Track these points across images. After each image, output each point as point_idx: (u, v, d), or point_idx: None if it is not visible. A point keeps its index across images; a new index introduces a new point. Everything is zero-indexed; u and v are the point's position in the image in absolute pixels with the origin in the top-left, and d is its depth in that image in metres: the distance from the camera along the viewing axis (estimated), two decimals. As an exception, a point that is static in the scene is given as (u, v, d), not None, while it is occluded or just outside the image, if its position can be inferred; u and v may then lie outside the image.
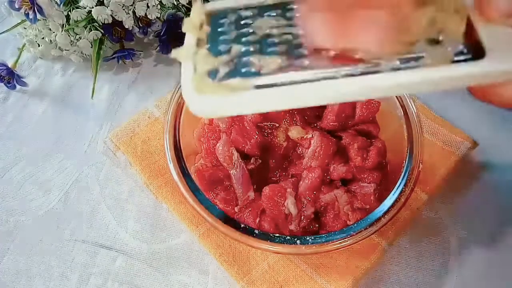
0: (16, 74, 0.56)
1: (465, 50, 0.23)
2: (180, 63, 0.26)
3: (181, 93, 0.46)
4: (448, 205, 0.50)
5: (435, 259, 0.47)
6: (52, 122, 0.56)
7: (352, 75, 0.23)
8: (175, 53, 0.26)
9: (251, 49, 0.25)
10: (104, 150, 0.53)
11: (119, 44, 0.59)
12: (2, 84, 0.57)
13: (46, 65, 0.61)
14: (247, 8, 0.27)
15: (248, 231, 0.39)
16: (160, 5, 0.56)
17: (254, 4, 0.27)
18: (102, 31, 0.56)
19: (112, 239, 0.48)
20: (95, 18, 0.53)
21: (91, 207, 0.50)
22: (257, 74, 0.24)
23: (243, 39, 0.25)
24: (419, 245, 0.48)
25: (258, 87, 0.23)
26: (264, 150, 0.45)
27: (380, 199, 0.42)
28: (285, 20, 0.26)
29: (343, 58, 0.23)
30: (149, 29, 0.58)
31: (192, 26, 0.27)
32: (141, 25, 0.58)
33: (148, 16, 0.56)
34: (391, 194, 0.40)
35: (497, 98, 0.24)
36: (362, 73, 0.23)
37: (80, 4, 0.53)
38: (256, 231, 0.39)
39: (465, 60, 0.23)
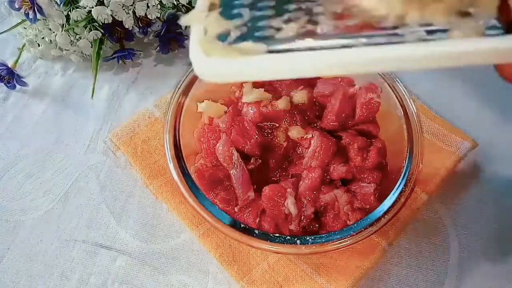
0: (16, 74, 0.56)
1: (497, 24, 0.22)
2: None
3: (181, 93, 0.46)
4: (448, 205, 0.50)
5: (435, 259, 0.47)
6: (52, 122, 0.56)
7: (375, 43, 0.21)
8: (185, 18, 0.24)
9: (267, 13, 0.23)
10: (104, 150, 0.53)
11: (119, 44, 0.59)
12: (2, 84, 0.57)
13: (46, 65, 0.61)
14: None
15: (248, 231, 0.39)
16: (160, 5, 0.56)
17: None
18: (102, 31, 0.56)
19: (112, 239, 0.48)
20: (95, 18, 0.53)
21: (91, 207, 0.50)
22: (271, 38, 0.22)
23: (259, 4, 0.24)
24: (419, 245, 0.48)
25: (272, 51, 0.21)
26: (264, 150, 0.45)
27: (380, 199, 0.42)
28: None
29: (366, 25, 0.21)
30: (149, 29, 0.58)
31: None
32: (141, 25, 0.58)
33: (148, 16, 0.56)
34: (391, 194, 0.40)
35: None
36: (385, 43, 0.21)
37: (80, 4, 0.53)
38: (256, 231, 0.39)
39: (497, 35, 0.21)
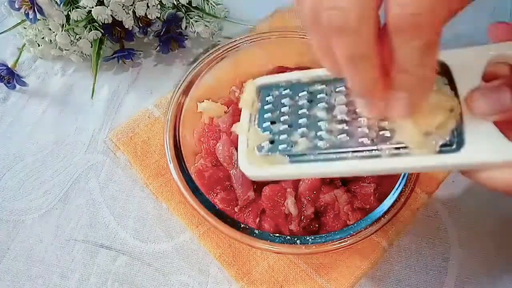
0: (16, 74, 0.56)
1: (448, 142, 0.27)
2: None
3: (181, 93, 0.46)
4: (448, 205, 0.50)
5: (435, 259, 0.47)
6: (52, 122, 0.56)
7: (361, 157, 0.29)
8: (234, 127, 0.35)
9: (286, 128, 0.32)
10: (104, 150, 0.53)
11: (119, 44, 0.59)
12: (2, 84, 0.57)
13: (46, 65, 0.61)
14: (286, 85, 0.34)
15: (248, 231, 0.39)
16: (160, 5, 0.56)
17: (292, 82, 0.34)
18: (102, 31, 0.56)
19: (112, 239, 0.48)
20: (95, 18, 0.53)
21: (91, 207, 0.50)
22: (290, 151, 0.31)
23: (282, 118, 0.33)
24: (419, 245, 0.48)
25: (292, 161, 0.31)
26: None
27: (380, 199, 0.42)
28: (314, 98, 0.33)
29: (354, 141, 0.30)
30: (149, 29, 0.58)
31: (246, 104, 0.35)
32: (141, 25, 0.58)
33: (148, 16, 0.56)
34: (391, 194, 0.40)
35: (481, 182, 0.28)
36: (366, 157, 0.29)
37: (80, 4, 0.53)
38: (256, 231, 0.39)
39: (447, 152, 0.27)
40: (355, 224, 0.39)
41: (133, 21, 0.56)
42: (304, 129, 0.32)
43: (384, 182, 0.44)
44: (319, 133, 0.31)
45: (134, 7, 0.55)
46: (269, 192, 0.43)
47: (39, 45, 0.58)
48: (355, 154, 0.29)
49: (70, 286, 0.45)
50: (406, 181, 0.41)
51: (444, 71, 0.29)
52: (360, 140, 0.29)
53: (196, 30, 0.58)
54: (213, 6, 0.59)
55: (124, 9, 0.54)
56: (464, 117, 0.27)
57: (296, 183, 0.44)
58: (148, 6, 0.55)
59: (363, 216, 0.41)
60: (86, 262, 0.46)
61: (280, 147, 0.31)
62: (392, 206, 0.40)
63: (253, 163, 0.32)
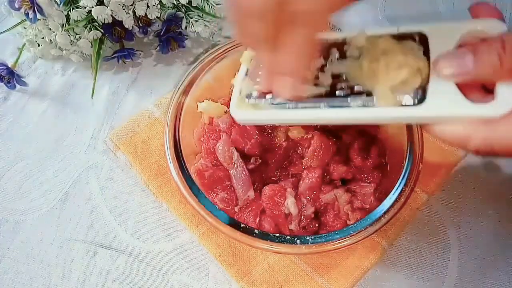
0: (16, 74, 0.56)
1: (412, 97, 0.31)
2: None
3: (181, 93, 0.46)
4: (448, 205, 0.50)
5: (435, 259, 0.47)
6: (52, 122, 0.56)
7: (333, 106, 0.33)
8: (234, 80, 0.39)
9: None
10: (104, 150, 0.53)
11: (119, 43, 0.59)
12: (2, 84, 0.57)
13: (46, 65, 0.61)
14: None
15: (248, 231, 0.39)
16: (160, 5, 0.56)
17: None
18: (102, 30, 0.56)
19: (112, 239, 0.48)
20: (95, 18, 0.53)
21: (91, 207, 0.50)
22: (274, 99, 0.35)
23: None
24: (419, 245, 0.48)
25: (273, 108, 0.35)
26: (264, 150, 0.45)
27: (380, 199, 0.42)
28: None
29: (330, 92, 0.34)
30: (149, 29, 0.58)
31: (246, 59, 0.39)
32: (141, 25, 0.58)
33: (148, 16, 0.56)
34: (391, 194, 0.40)
35: (434, 134, 0.31)
36: (338, 107, 0.33)
37: (80, 3, 0.53)
38: (256, 231, 0.39)
39: (409, 105, 0.30)
40: (355, 224, 0.39)
41: (133, 21, 0.56)
42: None
43: (384, 182, 0.45)
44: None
45: (134, 7, 0.55)
46: (269, 192, 0.43)
47: (39, 45, 0.58)
48: (329, 103, 0.33)
49: (70, 286, 0.45)
50: (406, 181, 0.41)
51: (423, 41, 0.32)
52: (336, 93, 0.33)
53: (196, 30, 0.58)
54: (213, 6, 0.59)
55: (124, 9, 0.54)
56: (431, 78, 0.30)
57: (296, 183, 0.44)
58: (148, 6, 0.55)
59: (363, 216, 0.41)
60: (86, 262, 0.46)
61: (266, 96, 0.35)
62: (392, 206, 0.40)
63: (241, 108, 0.36)
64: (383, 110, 0.31)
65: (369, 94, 0.32)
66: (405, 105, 0.31)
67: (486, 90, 0.30)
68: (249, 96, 0.36)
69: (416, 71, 0.31)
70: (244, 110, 0.36)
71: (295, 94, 0.32)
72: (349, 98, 0.33)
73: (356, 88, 0.33)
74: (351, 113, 0.32)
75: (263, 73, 0.35)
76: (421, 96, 0.30)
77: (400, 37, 0.33)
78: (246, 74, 0.38)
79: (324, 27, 0.29)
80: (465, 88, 0.30)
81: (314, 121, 0.36)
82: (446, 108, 0.29)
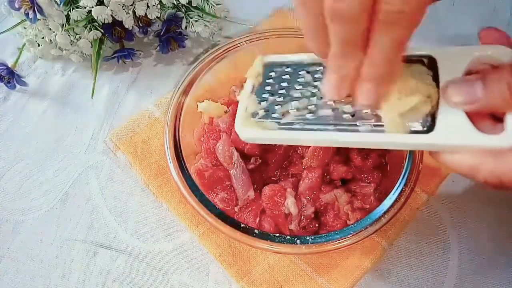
0: (16, 74, 0.56)
1: (421, 125, 0.30)
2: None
3: (181, 93, 0.46)
4: (448, 205, 0.50)
5: (435, 258, 0.47)
6: (52, 122, 0.56)
7: (341, 129, 0.33)
8: (238, 96, 0.38)
9: (282, 100, 0.36)
10: (104, 150, 0.53)
11: (119, 43, 0.59)
12: (2, 84, 0.57)
13: (46, 65, 0.61)
14: (290, 64, 0.37)
15: (248, 231, 0.39)
16: (160, 5, 0.56)
17: (295, 62, 0.37)
18: (102, 30, 0.56)
19: (112, 239, 0.48)
20: (95, 18, 0.53)
21: (91, 207, 0.50)
22: (280, 119, 0.35)
23: (279, 91, 0.36)
24: (419, 245, 0.48)
25: (280, 128, 0.34)
26: (264, 150, 0.45)
27: (380, 199, 0.42)
28: (311, 77, 0.36)
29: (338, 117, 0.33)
30: (149, 29, 0.58)
31: (251, 75, 0.38)
32: (141, 25, 0.58)
33: (148, 16, 0.56)
34: (391, 194, 0.40)
35: (443, 162, 0.31)
36: (346, 130, 0.32)
37: (80, 4, 0.53)
38: (256, 231, 0.39)
39: (418, 132, 0.30)
40: (355, 224, 0.39)
41: (133, 21, 0.56)
42: (296, 102, 0.35)
43: (384, 182, 0.45)
44: (309, 107, 0.34)
45: (134, 7, 0.55)
46: (269, 192, 0.43)
47: (39, 45, 0.58)
48: (337, 127, 0.33)
49: (70, 286, 0.45)
50: (406, 181, 0.41)
51: (432, 65, 0.32)
52: (343, 116, 0.33)
53: (196, 30, 0.58)
54: (213, 6, 0.59)
55: (124, 9, 0.54)
56: (440, 106, 0.30)
57: (296, 183, 0.44)
58: (148, 6, 0.55)
59: (363, 216, 0.41)
60: (86, 262, 0.46)
61: (273, 115, 0.35)
62: (392, 206, 0.40)
63: (247, 126, 0.35)
64: (392, 136, 0.31)
65: (377, 117, 0.32)
66: (414, 132, 0.30)
67: (496, 118, 0.30)
68: (255, 114, 0.36)
69: (426, 98, 0.30)
70: (250, 128, 0.35)
71: (376, 100, 0.30)
72: (357, 122, 0.32)
73: (364, 111, 0.32)
74: (359, 138, 0.32)
75: (332, 80, 0.31)
76: (430, 123, 0.30)
77: (409, 60, 0.32)
78: (252, 91, 0.37)
79: (416, 27, 0.27)
80: (474, 115, 0.29)
81: (321, 144, 0.36)
82: (455, 137, 0.29)
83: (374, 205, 0.42)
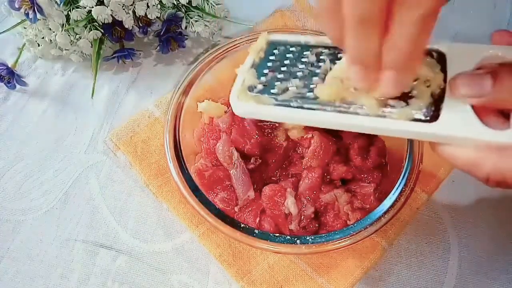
0: (16, 74, 0.56)
1: (425, 114, 0.30)
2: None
3: (181, 93, 0.46)
4: (448, 205, 0.50)
5: (435, 259, 0.47)
6: (52, 122, 0.56)
7: (340, 111, 0.32)
8: (238, 69, 0.37)
9: (282, 76, 0.35)
10: (104, 150, 0.53)
11: (119, 43, 0.59)
12: (2, 84, 0.57)
13: (46, 65, 0.61)
14: (294, 44, 0.36)
15: (248, 231, 0.39)
16: (160, 5, 0.56)
17: (301, 42, 0.36)
18: (102, 30, 0.56)
19: (112, 239, 0.48)
20: (95, 18, 0.53)
21: (91, 207, 0.50)
22: (279, 95, 0.34)
23: (281, 68, 0.35)
24: (419, 245, 0.48)
25: (277, 105, 0.33)
26: (264, 150, 0.45)
27: (380, 199, 0.42)
28: (315, 58, 0.35)
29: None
30: (149, 29, 0.58)
31: (255, 51, 0.37)
32: (141, 25, 0.58)
33: (148, 16, 0.56)
34: (391, 194, 0.40)
35: (444, 156, 0.30)
36: (345, 112, 0.31)
37: (80, 3, 0.53)
38: (256, 231, 0.39)
39: (421, 121, 0.29)
40: (355, 224, 0.39)
41: (133, 21, 0.56)
42: (297, 80, 0.34)
43: (384, 182, 0.45)
44: (311, 86, 0.33)
45: (134, 7, 0.55)
46: (269, 192, 0.43)
47: (39, 45, 0.58)
48: (336, 108, 0.32)
49: (70, 286, 0.45)
50: (406, 181, 0.41)
51: (440, 59, 0.32)
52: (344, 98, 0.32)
53: (196, 30, 0.58)
54: (213, 6, 0.59)
55: (124, 9, 0.54)
56: (446, 97, 0.30)
57: (296, 183, 0.44)
58: (148, 6, 0.55)
59: (363, 216, 0.41)
60: (86, 262, 0.46)
61: (271, 91, 0.34)
62: (392, 206, 0.40)
63: (242, 99, 0.34)
64: (394, 123, 0.30)
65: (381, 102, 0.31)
66: (417, 120, 0.30)
67: (503, 115, 0.29)
68: (252, 88, 0.35)
69: (425, 82, 0.30)
70: (245, 102, 0.34)
71: (401, 90, 0.29)
72: (358, 105, 0.31)
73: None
74: (358, 121, 0.31)
75: (356, 72, 0.29)
76: (434, 113, 0.29)
77: None
78: (252, 66, 0.36)
79: (441, 6, 0.25)
80: (481, 110, 0.29)
81: (317, 124, 0.34)
82: (459, 129, 0.28)
83: (374, 205, 0.42)
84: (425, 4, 0.23)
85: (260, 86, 0.35)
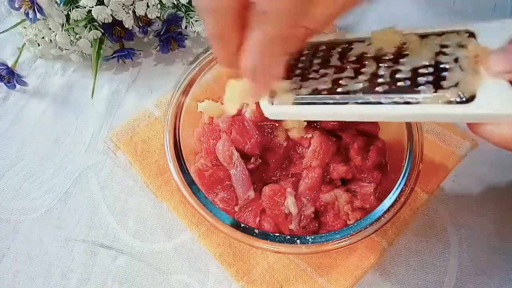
0: (16, 74, 0.56)
1: (461, 95, 0.28)
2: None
3: (181, 93, 0.46)
4: (448, 205, 0.50)
5: (435, 258, 0.47)
6: (52, 122, 0.56)
7: (362, 102, 0.31)
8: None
9: (312, 76, 0.34)
10: (104, 150, 0.53)
11: (119, 43, 0.59)
12: (2, 83, 0.57)
13: (46, 65, 0.61)
14: (322, 43, 0.36)
15: (248, 231, 0.39)
16: (160, 5, 0.56)
17: (326, 41, 0.36)
18: (102, 30, 0.56)
19: (112, 238, 0.48)
20: (95, 18, 0.53)
21: (91, 207, 0.50)
22: (298, 93, 0.33)
23: (310, 69, 0.35)
24: (419, 245, 0.48)
25: (296, 103, 0.33)
26: (264, 150, 0.45)
27: (380, 199, 0.42)
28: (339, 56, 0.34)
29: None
30: (149, 29, 0.58)
31: None
32: (141, 25, 0.58)
33: (148, 16, 0.56)
34: (391, 194, 0.40)
35: (482, 135, 0.29)
36: (371, 103, 0.30)
37: (80, 3, 0.53)
38: (256, 231, 0.39)
39: (457, 102, 0.28)
40: (355, 224, 0.39)
41: (133, 20, 0.56)
42: (316, 77, 0.34)
43: (384, 182, 0.44)
44: (340, 81, 0.33)
45: (134, 7, 0.55)
46: (269, 192, 0.43)
47: (39, 45, 0.58)
48: (358, 99, 0.31)
49: (70, 286, 0.45)
50: (406, 181, 0.41)
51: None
52: (375, 88, 0.31)
53: (196, 29, 0.58)
54: (213, 6, 0.59)
55: (124, 9, 0.54)
56: (481, 76, 0.29)
57: (296, 182, 0.44)
58: (148, 6, 0.55)
59: (363, 216, 0.41)
60: (86, 262, 0.46)
61: (303, 90, 0.33)
62: (392, 205, 0.40)
63: (276, 101, 0.34)
64: (428, 107, 0.29)
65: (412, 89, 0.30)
66: (454, 102, 0.28)
67: None
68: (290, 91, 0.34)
69: (457, 61, 0.29)
70: (279, 104, 0.34)
71: (254, 100, 0.31)
72: (384, 95, 0.30)
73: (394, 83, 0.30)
74: (383, 110, 0.30)
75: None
76: (470, 94, 0.28)
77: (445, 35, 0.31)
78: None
79: (289, 26, 0.27)
80: None
81: (345, 118, 0.32)
82: (498, 106, 0.27)
83: (374, 205, 0.42)
84: (269, 31, 0.27)
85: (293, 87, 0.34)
